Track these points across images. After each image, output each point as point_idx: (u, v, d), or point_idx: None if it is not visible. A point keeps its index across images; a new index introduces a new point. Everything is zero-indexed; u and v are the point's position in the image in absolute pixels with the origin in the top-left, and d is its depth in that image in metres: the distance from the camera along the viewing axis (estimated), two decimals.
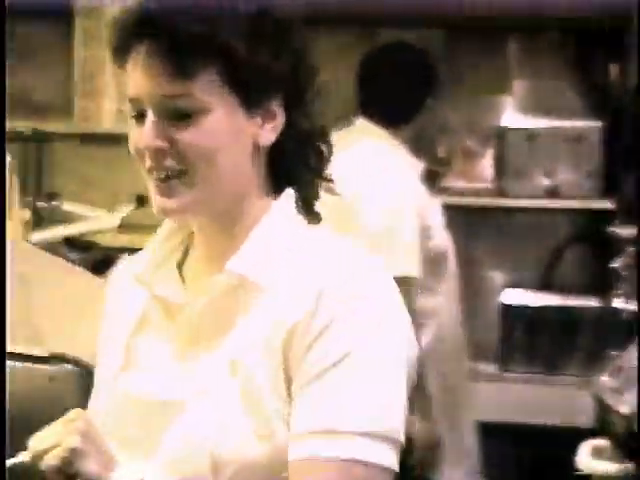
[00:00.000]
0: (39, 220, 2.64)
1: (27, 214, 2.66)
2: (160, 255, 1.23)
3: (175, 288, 1.20)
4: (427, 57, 2.77)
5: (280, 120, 1.15)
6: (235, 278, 1.13)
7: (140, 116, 1.13)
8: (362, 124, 2.64)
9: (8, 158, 2.64)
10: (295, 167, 1.19)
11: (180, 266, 1.23)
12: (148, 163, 1.12)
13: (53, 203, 2.74)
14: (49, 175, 3.20)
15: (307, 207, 1.20)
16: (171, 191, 1.13)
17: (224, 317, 1.14)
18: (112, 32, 1.15)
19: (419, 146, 2.70)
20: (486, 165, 3.47)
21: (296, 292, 1.10)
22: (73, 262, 2.44)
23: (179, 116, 1.12)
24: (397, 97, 2.64)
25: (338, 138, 2.64)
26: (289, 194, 1.18)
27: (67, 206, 2.73)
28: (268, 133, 1.15)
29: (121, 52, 1.14)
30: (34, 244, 2.46)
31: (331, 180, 1.23)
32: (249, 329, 1.11)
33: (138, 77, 1.12)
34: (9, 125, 3.27)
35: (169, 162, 1.13)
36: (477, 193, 3.43)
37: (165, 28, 1.10)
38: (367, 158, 2.56)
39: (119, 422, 1.20)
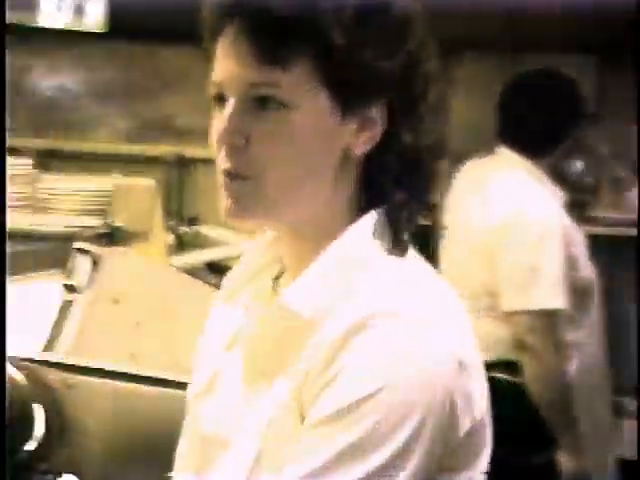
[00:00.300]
0: (181, 244, 2.69)
1: (170, 238, 2.73)
2: (254, 268, 1.12)
3: (254, 306, 1.09)
4: (576, 86, 2.68)
5: (379, 130, 0.99)
6: (287, 312, 1.00)
7: (221, 104, 1.00)
8: (503, 153, 2.59)
9: (152, 182, 2.72)
10: (389, 187, 1.01)
11: (278, 279, 1.10)
12: (221, 159, 1.00)
13: (195, 227, 2.79)
14: (191, 200, 3.27)
15: (395, 234, 1.02)
16: (239, 193, 0.99)
17: (279, 348, 1.02)
18: (206, 11, 1.03)
19: (563, 176, 2.63)
20: (635, 195, 3.37)
21: (343, 326, 0.95)
22: (214, 286, 2.48)
23: (261, 108, 0.98)
24: (542, 127, 2.57)
25: (477, 166, 2.61)
26: (372, 216, 1.01)
27: (208, 231, 2.78)
28: (363, 143, 0.99)
29: (211, 33, 1.02)
30: (176, 267, 2.53)
31: (431, 208, 1.06)
32: (300, 365, 0.98)
33: (225, 61, 0.99)
34: (153, 150, 3.42)
35: (241, 162, 0.99)
36: (624, 223, 3.30)
37: (259, 6, 0.96)
38: (510, 189, 2.52)
39: (186, 449, 1.15)
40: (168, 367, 2.07)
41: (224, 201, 1.00)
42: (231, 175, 0.99)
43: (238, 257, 2.98)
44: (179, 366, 2.02)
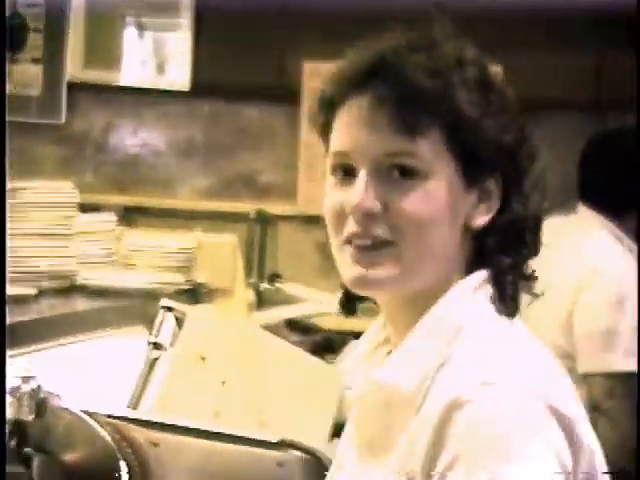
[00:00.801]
0: (261, 301, 2.69)
1: (251, 295, 2.72)
2: (375, 340, 1.12)
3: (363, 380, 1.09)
4: None
5: (496, 202, 1.03)
6: (382, 388, 1.01)
7: (345, 175, 1.02)
8: (584, 212, 2.56)
9: (234, 239, 2.73)
10: (496, 254, 1.03)
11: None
12: (351, 229, 1.00)
13: (275, 284, 2.78)
14: (272, 257, 3.26)
15: (500, 296, 1.04)
16: (374, 261, 1.00)
17: (383, 425, 1.02)
18: (329, 80, 1.04)
19: None
20: None
21: (442, 403, 0.95)
22: (295, 344, 2.46)
23: (397, 178, 1.00)
24: (624, 186, 2.54)
25: (556, 226, 2.57)
26: (477, 276, 1.03)
27: (289, 288, 2.77)
28: (480, 214, 1.03)
29: (333, 103, 1.03)
30: (257, 324, 2.52)
31: (534, 278, 1.08)
32: (409, 445, 0.97)
33: (354, 130, 1.00)
34: (235, 207, 3.42)
35: (379, 229, 1.00)
36: None
37: (398, 78, 0.99)
38: (588, 249, 2.49)
39: None
40: (252, 426, 2.09)
41: (352, 270, 1.01)
42: (366, 246, 1.00)
43: (318, 315, 2.97)
44: (263, 425, 2.15)
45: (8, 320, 1.92)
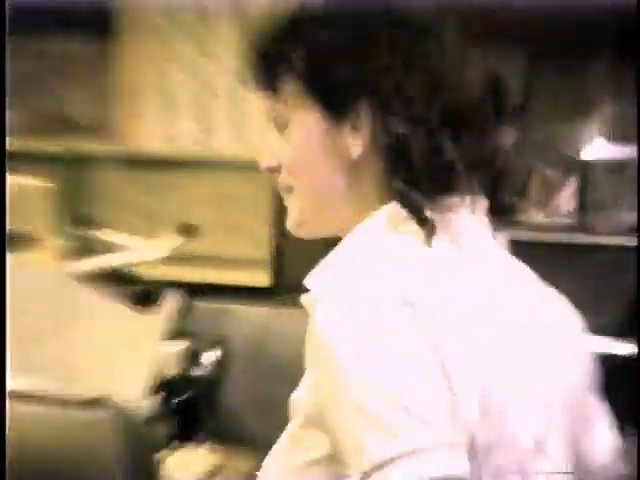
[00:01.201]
0: (76, 249, 2.51)
1: (64, 242, 2.54)
2: None
3: None
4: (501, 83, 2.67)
5: (366, 129, 1.06)
6: (308, 295, 1.06)
7: None
8: None
9: (42, 183, 2.54)
10: (394, 180, 1.06)
11: None
12: None
13: (92, 231, 2.61)
14: (88, 201, 3.06)
15: (411, 216, 1.06)
16: (289, 208, 1.16)
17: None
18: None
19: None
20: (567, 198, 3.31)
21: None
22: (112, 295, 2.33)
23: (276, 132, 1.14)
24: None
25: None
26: (387, 208, 1.07)
27: (106, 235, 2.59)
28: (355, 143, 1.07)
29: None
30: (70, 275, 2.35)
31: (441, 192, 1.07)
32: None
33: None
34: (45, 145, 3.22)
35: (282, 178, 1.15)
36: (556, 228, 3.22)
37: (259, 45, 1.13)
38: None
39: None
40: (63, 382, 2.04)
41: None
42: (282, 192, 1.16)
43: (137, 263, 2.81)
44: (76, 380, 2.10)
45: None
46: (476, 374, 0.98)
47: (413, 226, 1.04)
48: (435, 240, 1.04)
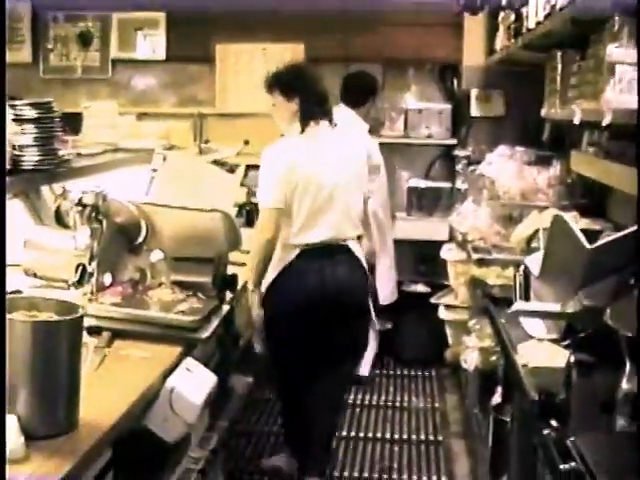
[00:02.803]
0: (201, 152, 5.84)
1: (197, 149, 5.88)
2: None
3: None
4: (373, 78, 5.96)
5: (296, 103, 4.25)
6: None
7: None
8: (342, 107, 5.79)
9: (186, 125, 5.89)
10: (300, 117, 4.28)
11: None
12: None
13: (207, 144, 5.95)
14: (206, 132, 6.49)
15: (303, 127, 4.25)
16: (276, 122, 4.45)
17: None
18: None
19: (368, 116, 5.85)
20: (400, 124, 6.73)
21: None
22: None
23: (273, 104, 4.37)
24: (358, 95, 5.78)
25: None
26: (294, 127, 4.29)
27: (213, 146, 5.95)
28: (293, 107, 4.27)
29: None
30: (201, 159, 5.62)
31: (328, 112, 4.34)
32: None
33: None
34: (185, 111, 6.57)
35: (274, 117, 4.42)
36: (395, 137, 6.70)
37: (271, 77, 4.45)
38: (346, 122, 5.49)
39: None
40: (191, 199, 4.15)
41: None
42: None
43: (225, 157, 6.59)
44: (199, 197, 4.81)
45: None
46: (308, 183, 4.13)
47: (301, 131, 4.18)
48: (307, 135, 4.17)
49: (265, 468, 4.75)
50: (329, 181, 4.14)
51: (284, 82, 4.19)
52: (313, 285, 4.13)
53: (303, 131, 4.14)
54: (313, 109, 4.17)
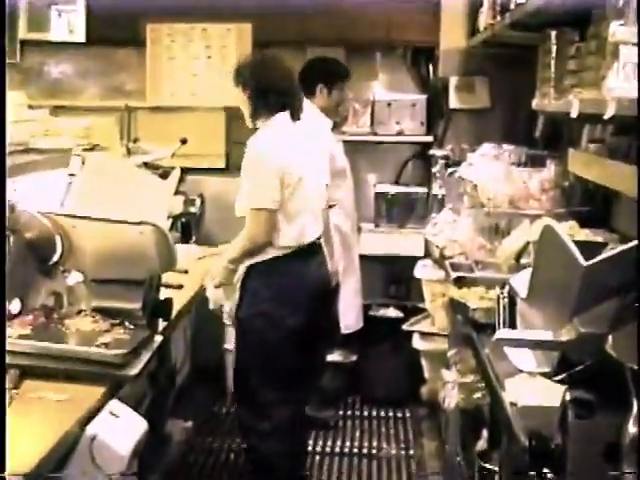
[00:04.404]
0: (129, 153, 5.83)
1: (123, 150, 5.87)
2: None
3: None
4: (335, 63, 5.98)
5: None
6: None
7: None
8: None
9: (111, 120, 5.88)
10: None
11: None
12: None
13: (137, 144, 5.94)
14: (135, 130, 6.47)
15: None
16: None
17: None
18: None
19: (333, 110, 5.83)
20: (366, 119, 6.73)
21: None
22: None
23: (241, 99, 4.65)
24: (316, 84, 5.79)
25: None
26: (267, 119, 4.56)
27: (144, 146, 5.94)
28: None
29: None
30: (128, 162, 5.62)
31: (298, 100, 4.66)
32: None
33: None
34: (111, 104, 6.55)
35: (243, 110, 4.67)
36: (360, 134, 6.72)
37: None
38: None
39: None
40: (120, 211, 4.68)
41: None
42: None
43: (160, 158, 6.47)
44: (127, 210, 4.36)
45: None
46: (292, 176, 4.38)
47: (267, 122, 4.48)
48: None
49: None
50: (306, 176, 4.48)
51: (238, 73, 4.48)
52: (312, 285, 4.60)
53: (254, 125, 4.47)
54: (266, 102, 4.42)
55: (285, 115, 4.50)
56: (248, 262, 4.50)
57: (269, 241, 4.40)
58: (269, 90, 4.43)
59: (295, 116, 4.53)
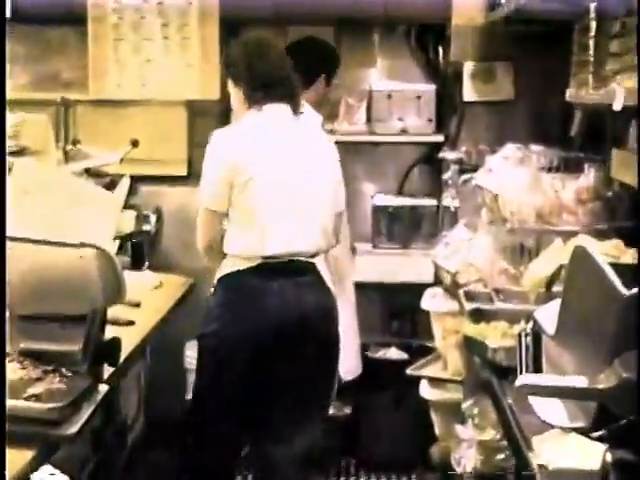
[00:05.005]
0: (67, 158, 5.86)
1: (60, 154, 5.90)
2: None
3: None
4: (324, 45, 5.99)
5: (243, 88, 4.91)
6: None
7: None
8: None
9: (45, 117, 5.89)
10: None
11: None
12: None
13: (77, 147, 5.96)
14: (74, 128, 6.47)
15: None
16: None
17: None
18: None
19: (322, 102, 5.84)
20: (361, 115, 6.73)
21: None
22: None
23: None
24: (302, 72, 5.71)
25: None
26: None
27: (85, 149, 5.96)
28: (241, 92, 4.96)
29: None
30: (65, 170, 5.65)
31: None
32: None
33: None
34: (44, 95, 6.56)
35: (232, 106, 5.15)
36: (354, 133, 6.69)
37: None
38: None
39: None
40: (55, 232, 3.81)
41: None
42: None
43: (104, 165, 6.66)
44: (63, 229, 4.18)
45: None
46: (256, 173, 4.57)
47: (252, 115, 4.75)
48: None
49: None
50: (286, 180, 4.65)
51: (226, 61, 5.01)
52: (271, 311, 4.54)
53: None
54: (256, 94, 4.70)
55: (279, 108, 4.75)
56: (217, 275, 4.66)
57: (217, 247, 4.67)
58: (269, 81, 4.75)
59: (296, 110, 4.80)
